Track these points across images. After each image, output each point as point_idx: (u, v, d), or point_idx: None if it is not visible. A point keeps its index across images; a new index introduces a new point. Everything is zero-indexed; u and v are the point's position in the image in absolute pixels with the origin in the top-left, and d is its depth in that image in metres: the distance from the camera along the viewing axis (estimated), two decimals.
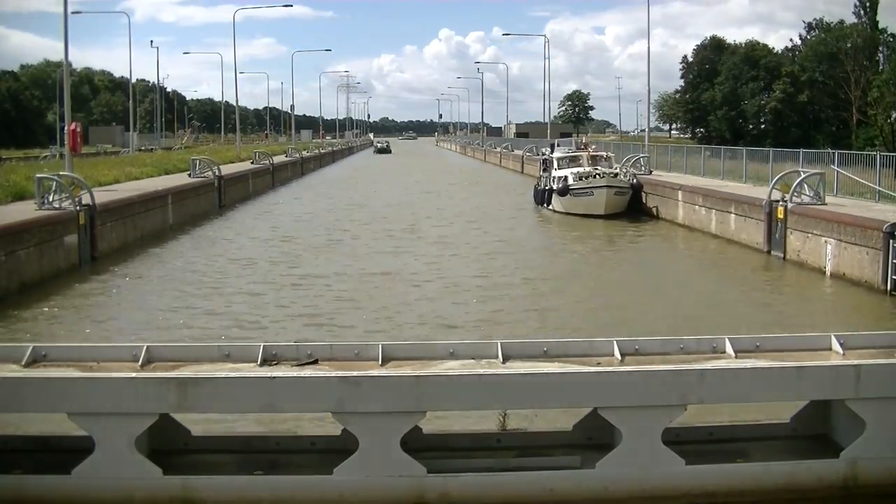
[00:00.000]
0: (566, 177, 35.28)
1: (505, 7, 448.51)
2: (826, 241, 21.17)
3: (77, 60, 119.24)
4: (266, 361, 8.17)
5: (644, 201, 35.51)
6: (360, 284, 20.47)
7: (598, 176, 34.47)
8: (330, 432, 8.27)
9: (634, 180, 35.66)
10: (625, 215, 33.88)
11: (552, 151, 40.63)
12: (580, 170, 35.57)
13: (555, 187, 35.97)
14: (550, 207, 36.70)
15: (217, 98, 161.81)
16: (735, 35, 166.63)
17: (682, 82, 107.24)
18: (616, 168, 36.66)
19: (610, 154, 39.00)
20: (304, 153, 78.73)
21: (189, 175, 39.48)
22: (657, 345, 8.73)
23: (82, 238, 22.76)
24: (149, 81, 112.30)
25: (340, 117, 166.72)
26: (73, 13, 48.15)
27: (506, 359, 8.27)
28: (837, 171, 25.72)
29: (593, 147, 39.90)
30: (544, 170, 39.93)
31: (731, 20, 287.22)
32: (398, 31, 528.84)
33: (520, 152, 75.19)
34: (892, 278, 18.18)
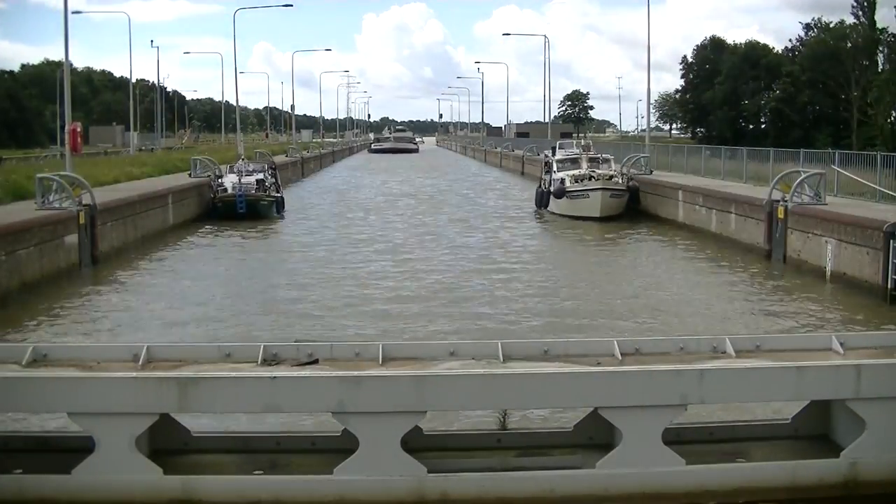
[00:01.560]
0: (562, 179, 35.34)
1: None
2: (826, 241, 21.16)
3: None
4: (266, 361, 8.19)
5: (643, 202, 35.51)
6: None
7: (593, 178, 34.49)
8: (330, 432, 8.28)
9: (632, 182, 35.66)
10: (622, 217, 33.79)
11: (554, 153, 40.62)
12: (577, 172, 35.61)
13: (552, 190, 36.04)
14: (549, 210, 36.75)
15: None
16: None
17: (682, 82, 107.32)
18: (615, 170, 36.62)
19: (609, 156, 38.96)
20: (305, 153, 78.60)
21: (189, 175, 39.44)
22: (657, 345, 8.75)
23: (83, 238, 22.75)
24: (149, 81, 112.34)
25: (341, 117, 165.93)
26: (73, 13, 48.22)
27: (506, 359, 8.28)
28: (838, 171, 25.71)
29: (591, 149, 39.92)
30: (546, 172, 39.95)
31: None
32: (321, 23, 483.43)
33: (520, 152, 75.22)
34: (892, 278, 18.17)
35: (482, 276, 21.79)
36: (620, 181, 35.30)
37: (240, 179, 35.26)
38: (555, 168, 37.44)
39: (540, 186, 40.29)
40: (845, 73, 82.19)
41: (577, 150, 39.19)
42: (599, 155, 38.52)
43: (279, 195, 37.52)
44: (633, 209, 34.79)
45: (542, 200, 38.29)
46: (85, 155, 46.77)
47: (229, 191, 34.86)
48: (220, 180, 36.44)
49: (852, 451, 7.76)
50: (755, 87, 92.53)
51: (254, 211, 34.18)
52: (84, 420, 7.44)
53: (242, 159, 38.55)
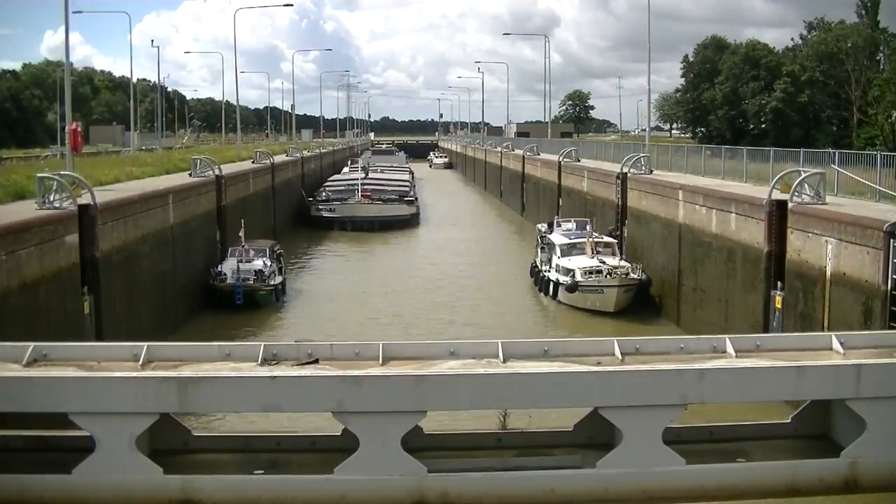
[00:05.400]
0: (574, 272, 33.35)
1: None
2: (826, 241, 21.16)
3: None
4: (266, 361, 8.18)
5: (650, 293, 34.13)
6: None
7: (609, 275, 32.77)
8: (330, 432, 8.27)
9: (643, 276, 33.81)
10: (632, 310, 32.53)
11: (550, 229, 39.05)
12: (588, 264, 33.64)
13: (560, 280, 34.24)
14: (556, 300, 35.02)
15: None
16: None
17: (682, 81, 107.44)
18: (622, 261, 34.77)
19: (612, 240, 37.14)
20: (305, 153, 78.60)
21: (190, 175, 39.49)
22: (657, 344, 8.75)
23: (83, 238, 22.74)
24: (149, 81, 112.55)
25: (341, 116, 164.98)
26: (74, 12, 48.26)
27: (506, 358, 8.28)
28: (838, 171, 25.72)
29: (596, 233, 37.81)
30: (541, 248, 38.28)
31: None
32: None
33: (520, 152, 75.27)
34: (892, 278, 18.18)
35: None
36: (632, 273, 33.47)
37: (238, 267, 34.10)
38: (559, 253, 35.64)
39: (537, 263, 38.54)
40: (846, 72, 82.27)
41: (574, 226, 37.66)
42: (602, 238, 36.73)
43: (281, 279, 36.29)
44: (641, 301, 33.20)
45: (544, 286, 36.48)
46: (85, 155, 46.80)
47: (228, 279, 33.80)
48: (219, 267, 35.26)
49: (852, 450, 7.76)
50: (755, 87, 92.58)
51: (252, 301, 33.34)
52: (84, 420, 7.44)
53: (243, 245, 36.65)
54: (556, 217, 42.75)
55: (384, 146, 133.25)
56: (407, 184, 71.13)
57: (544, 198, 57.30)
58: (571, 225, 38.79)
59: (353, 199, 58.34)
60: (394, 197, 62.01)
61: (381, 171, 78.22)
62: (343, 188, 63.08)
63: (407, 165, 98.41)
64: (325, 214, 58.22)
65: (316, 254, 49.01)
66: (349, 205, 57.91)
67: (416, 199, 67.34)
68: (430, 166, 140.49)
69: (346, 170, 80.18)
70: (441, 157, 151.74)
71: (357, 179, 63.10)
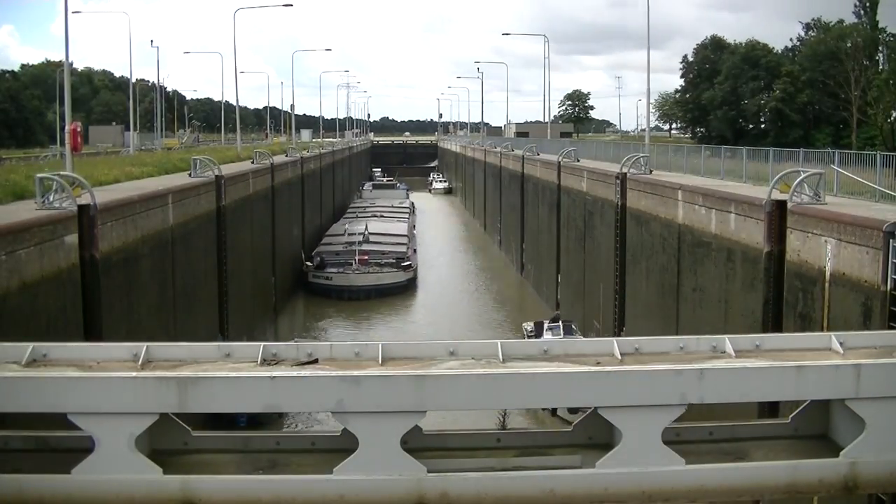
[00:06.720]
0: None
1: None
2: (826, 241, 21.15)
3: None
4: (266, 361, 8.19)
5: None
6: None
7: None
8: (330, 432, 8.27)
9: None
10: None
11: (536, 329, 38.46)
12: None
13: None
14: (554, 414, 34.41)
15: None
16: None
17: (682, 81, 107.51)
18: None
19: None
20: (305, 153, 78.55)
21: (189, 175, 39.48)
22: (657, 344, 8.75)
23: (83, 238, 22.73)
24: (149, 81, 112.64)
25: (340, 116, 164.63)
26: (73, 13, 48.24)
27: (506, 359, 8.28)
28: (837, 171, 25.71)
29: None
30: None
31: None
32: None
33: (520, 152, 75.27)
34: (892, 278, 18.18)
35: None
36: None
37: None
38: None
39: None
40: (845, 72, 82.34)
41: (560, 326, 37.22)
42: None
43: None
44: None
45: None
46: (84, 155, 46.82)
47: None
48: None
49: (852, 450, 7.77)
50: (755, 86, 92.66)
51: (254, 420, 33.65)
52: (84, 420, 7.44)
53: None
54: (547, 324, 41.89)
55: (384, 180, 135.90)
56: (405, 240, 70.64)
57: (543, 209, 57.03)
58: (557, 324, 38.32)
59: (349, 266, 59.27)
60: (391, 260, 62.49)
61: (381, 218, 79.18)
62: (341, 248, 63.83)
63: (408, 202, 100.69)
64: (322, 282, 59.50)
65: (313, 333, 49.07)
66: (345, 274, 58.96)
67: (415, 251, 67.99)
68: (430, 191, 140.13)
69: (348, 219, 79.05)
70: (441, 181, 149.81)
71: (356, 235, 64.45)
